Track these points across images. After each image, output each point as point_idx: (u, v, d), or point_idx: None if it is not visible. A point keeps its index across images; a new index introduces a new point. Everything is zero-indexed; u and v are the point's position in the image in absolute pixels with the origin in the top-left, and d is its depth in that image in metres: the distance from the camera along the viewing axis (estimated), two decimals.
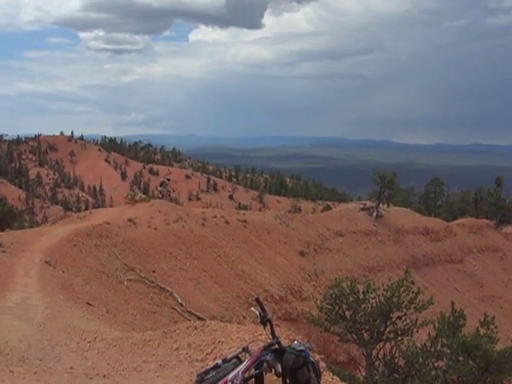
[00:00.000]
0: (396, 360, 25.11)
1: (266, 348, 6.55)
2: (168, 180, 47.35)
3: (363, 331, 24.89)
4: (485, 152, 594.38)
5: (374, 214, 52.51)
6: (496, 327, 26.06)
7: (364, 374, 25.94)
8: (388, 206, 54.88)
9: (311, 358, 6.56)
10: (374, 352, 25.34)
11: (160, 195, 44.68)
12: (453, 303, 26.21)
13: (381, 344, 25.21)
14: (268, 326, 6.66)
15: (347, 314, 24.67)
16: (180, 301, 27.24)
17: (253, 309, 6.82)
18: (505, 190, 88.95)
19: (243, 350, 6.81)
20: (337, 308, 24.66)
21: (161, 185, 45.67)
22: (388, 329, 24.76)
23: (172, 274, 30.09)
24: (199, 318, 24.73)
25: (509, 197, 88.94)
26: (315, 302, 26.27)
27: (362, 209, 53.29)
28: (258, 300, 6.77)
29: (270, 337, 6.64)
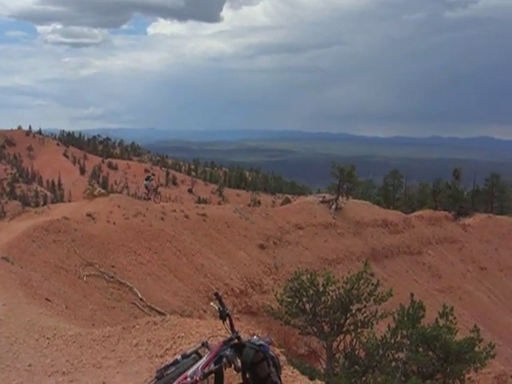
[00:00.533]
0: (356, 352, 25.28)
1: (226, 343, 6.50)
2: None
3: (323, 324, 25.02)
4: (443, 145, 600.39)
5: (334, 206, 52.68)
6: (455, 318, 26.39)
7: (325, 366, 26.07)
8: (347, 198, 55.15)
9: (271, 353, 6.53)
10: (335, 344, 25.50)
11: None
12: (412, 295, 26.45)
13: (341, 336, 25.38)
14: (227, 321, 6.62)
15: (307, 306, 24.78)
16: (140, 295, 27.12)
17: (212, 304, 6.76)
18: (462, 182, 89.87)
19: (203, 345, 6.76)
20: (297, 301, 24.76)
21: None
22: (348, 321, 24.94)
23: (131, 268, 29.93)
24: (159, 313, 24.62)
25: (466, 189, 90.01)
26: (275, 295, 26.37)
27: (322, 202, 53.41)
28: (217, 295, 6.72)
29: (230, 332, 6.59)
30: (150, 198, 45.18)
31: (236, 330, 6.60)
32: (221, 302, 6.57)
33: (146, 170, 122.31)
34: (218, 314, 6.56)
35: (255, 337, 6.70)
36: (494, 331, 51.46)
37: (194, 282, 32.51)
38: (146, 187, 46.33)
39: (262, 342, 6.50)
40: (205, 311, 29.30)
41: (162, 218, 36.54)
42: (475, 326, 27.66)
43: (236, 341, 6.50)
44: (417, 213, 67.94)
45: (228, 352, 6.39)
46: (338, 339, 25.44)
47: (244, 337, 6.84)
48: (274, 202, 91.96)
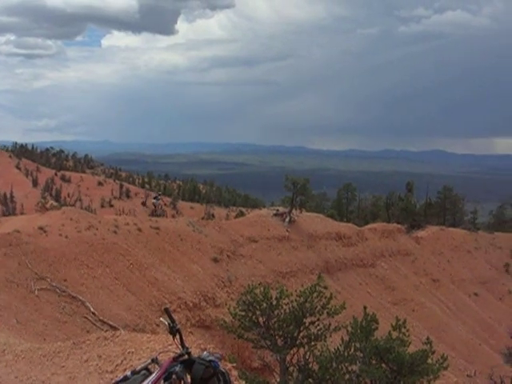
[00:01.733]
0: (310, 365, 25.27)
1: (176, 359, 6.46)
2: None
3: (277, 337, 24.96)
4: (396, 158, 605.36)
5: (287, 219, 52.78)
6: (408, 330, 26.55)
7: (278, 379, 26.02)
8: (301, 211, 55.24)
9: (221, 368, 6.51)
10: (288, 357, 25.44)
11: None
12: (365, 307, 26.56)
13: (295, 349, 25.33)
14: (177, 336, 6.58)
15: (260, 320, 24.70)
16: (92, 310, 26.89)
17: (162, 319, 6.72)
18: (415, 195, 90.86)
19: (152, 360, 6.71)
20: (250, 314, 24.66)
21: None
22: (301, 334, 24.90)
23: (84, 282, 29.66)
24: (112, 327, 24.44)
25: (419, 202, 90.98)
26: (228, 309, 26.24)
27: (275, 215, 53.49)
28: (166, 310, 6.67)
29: (180, 347, 6.55)
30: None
31: (186, 345, 6.57)
32: (170, 317, 6.53)
33: (100, 183, 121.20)
34: (168, 329, 6.52)
35: (205, 352, 6.68)
36: (447, 343, 52.01)
37: (147, 295, 32.32)
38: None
39: (212, 357, 6.47)
40: (158, 325, 29.13)
41: (115, 232, 36.28)
42: (428, 338, 27.88)
43: (186, 356, 6.46)
44: (370, 225, 68.41)
45: (178, 368, 6.35)
46: (292, 352, 25.39)
47: (195, 352, 6.81)
48: (228, 214, 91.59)
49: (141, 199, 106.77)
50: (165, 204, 58.92)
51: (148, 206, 56.36)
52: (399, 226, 71.85)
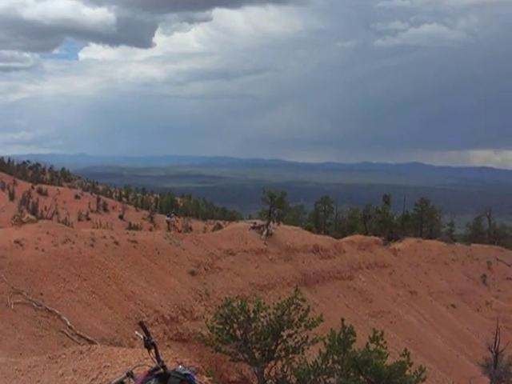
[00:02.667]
0: (288, 378, 25.30)
1: (151, 373, 6.44)
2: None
3: (254, 350, 24.98)
4: (374, 170, 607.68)
5: (265, 232, 52.78)
6: (385, 342, 26.65)
7: None
8: (278, 224, 55.26)
9: (197, 382, 6.50)
10: (266, 370, 25.46)
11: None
12: (343, 320, 26.65)
13: (272, 362, 25.35)
14: (153, 350, 6.57)
15: (238, 333, 24.72)
16: (69, 323, 26.72)
17: (137, 332, 6.71)
18: (392, 207, 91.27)
19: (128, 374, 6.69)
20: (227, 327, 24.68)
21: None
22: (279, 347, 24.93)
23: (60, 296, 29.47)
24: (89, 341, 24.31)
25: (396, 214, 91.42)
26: (206, 322, 26.24)
27: (253, 227, 53.48)
28: (141, 323, 6.66)
29: (155, 361, 6.54)
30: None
31: (162, 358, 6.56)
32: (146, 331, 6.52)
33: (77, 196, 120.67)
34: (143, 343, 6.51)
35: (181, 366, 6.67)
36: (425, 354, 52.15)
37: (124, 309, 32.17)
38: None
39: (187, 371, 6.46)
40: (135, 339, 28.96)
41: (92, 245, 36.09)
42: (405, 350, 28.00)
43: (161, 370, 6.45)
44: (347, 238, 68.57)
45: (153, 382, 6.34)
46: (270, 365, 25.41)
47: (171, 366, 6.81)
48: (205, 227, 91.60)
49: (118, 212, 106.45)
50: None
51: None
52: (376, 238, 72.13)
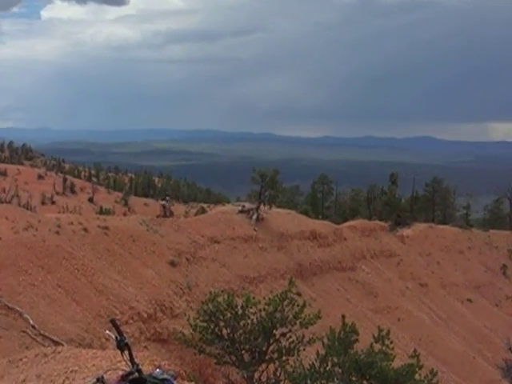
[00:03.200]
0: (281, 383, 25.31)
1: (124, 377, 6.40)
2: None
3: (243, 352, 24.97)
4: (378, 146, 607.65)
5: (254, 217, 52.79)
6: (392, 342, 26.66)
7: None
8: (270, 207, 55.31)
9: None
10: (257, 375, 25.45)
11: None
12: (343, 316, 26.63)
13: (264, 365, 25.34)
14: (126, 352, 6.52)
15: (224, 332, 24.69)
16: (32, 322, 26.69)
17: (108, 332, 6.64)
18: (400, 188, 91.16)
19: (98, 380, 6.64)
20: (212, 326, 24.63)
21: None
22: (271, 348, 24.92)
23: (22, 291, 29.42)
24: (54, 342, 24.30)
25: (405, 196, 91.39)
26: (188, 320, 26.17)
27: (241, 211, 53.50)
28: (113, 321, 6.60)
29: (129, 364, 6.49)
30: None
31: (137, 361, 6.51)
32: (118, 330, 6.47)
33: (40, 176, 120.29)
34: (116, 343, 6.46)
35: (158, 370, 6.63)
36: (437, 356, 52.38)
37: (94, 305, 32.15)
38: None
39: (165, 375, 6.43)
40: (107, 339, 28.93)
41: (58, 232, 36.04)
42: (415, 351, 28.05)
43: (136, 375, 6.40)
44: (349, 223, 68.70)
45: None
46: (260, 369, 25.42)
47: (147, 369, 6.77)
48: (186, 212, 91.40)
49: (88, 195, 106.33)
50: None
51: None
52: (382, 223, 72.29)
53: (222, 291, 26.59)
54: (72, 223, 38.75)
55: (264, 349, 24.82)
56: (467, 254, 75.72)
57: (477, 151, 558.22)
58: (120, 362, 9.72)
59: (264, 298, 25.72)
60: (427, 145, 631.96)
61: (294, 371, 25.07)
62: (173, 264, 41.37)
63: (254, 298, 24.96)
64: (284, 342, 24.99)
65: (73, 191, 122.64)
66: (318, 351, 25.80)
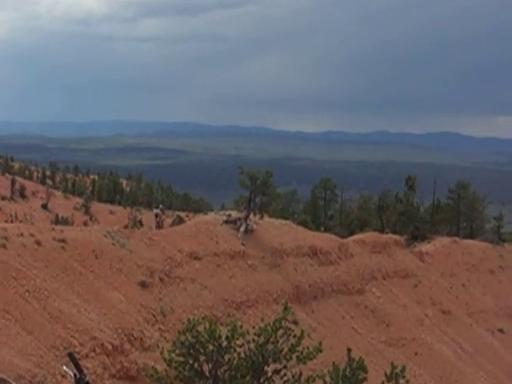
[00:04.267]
0: None
1: None
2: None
3: None
4: (392, 143, 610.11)
5: (243, 228, 52.81)
6: (408, 381, 26.73)
7: None
8: (261, 217, 55.33)
9: None
10: None
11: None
12: (349, 350, 26.69)
13: None
14: None
15: (206, 368, 24.76)
16: None
17: (65, 368, 6.73)
18: (419, 194, 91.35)
19: None
20: (191, 361, 24.71)
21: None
22: None
23: None
24: (0, 381, 24.28)
25: (424, 203, 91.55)
26: (161, 353, 26.24)
27: (226, 221, 53.53)
28: (70, 355, 6.68)
29: None
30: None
31: None
32: (77, 365, 6.54)
33: None
34: (74, 381, 6.52)
35: None
36: None
37: (48, 335, 32.11)
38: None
39: None
40: (63, 376, 28.98)
41: (4, 246, 35.98)
42: None
43: None
44: (357, 236, 68.76)
45: None
46: None
47: None
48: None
49: (41, 200, 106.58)
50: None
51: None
52: (396, 237, 72.38)
53: (203, 318, 26.65)
54: (22, 235, 38.69)
55: None
56: (499, 275, 75.96)
57: (511, 149, 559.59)
58: None
59: (254, 326, 25.77)
60: (451, 142, 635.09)
61: None
62: (144, 285, 41.37)
63: (241, 326, 25.02)
64: (277, 381, 25.07)
65: (23, 196, 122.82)
66: None
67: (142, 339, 36.97)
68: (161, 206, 64.66)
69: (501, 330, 66.86)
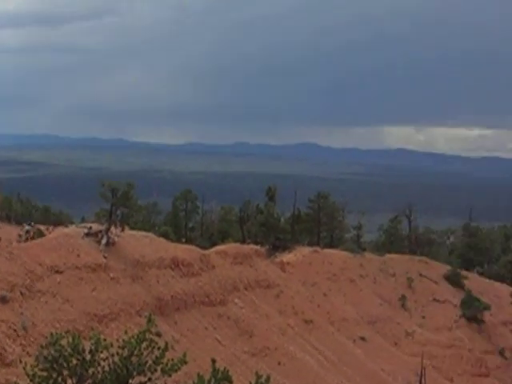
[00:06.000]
0: None
1: None
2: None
3: None
4: (252, 154, 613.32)
5: (104, 241, 52.47)
6: None
7: None
8: (122, 229, 55.10)
9: None
10: None
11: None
12: (213, 361, 26.76)
13: None
14: None
15: (70, 382, 24.52)
16: None
17: None
18: (279, 204, 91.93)
19: None
20: (55, 375, 24.44)
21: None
22: None
23: None
24: None
25: (284, 214, 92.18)
26: (24, 368, 25.87)
27: (87, 234, 53.10)
28: None
29: None
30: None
31: None
32: None
33: None
34: None
35: None
36: None
37: None
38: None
39: None
40: None
41: None
42: None
43: None
44: (218, 248, 68.86)
45: None
46: None
47: None
48: (20, 235, 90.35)
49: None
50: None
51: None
52: (258, 247, 72.72)
53: (66, 332, 26.40)
54: None
55: None
56: (359, 284, 77.05)
57: (369, 160, 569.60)
58: None
59: (117, 339, 25.63)
60: (310, 153, 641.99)
61: None
62: (4, 300, 40.73)
63: (104, 340, 24.86)
64: None
65: None
66: None
67: (2, 355, 36.40)
68: (32, 222, 64.34)
69: (362, 338, 67.74)
